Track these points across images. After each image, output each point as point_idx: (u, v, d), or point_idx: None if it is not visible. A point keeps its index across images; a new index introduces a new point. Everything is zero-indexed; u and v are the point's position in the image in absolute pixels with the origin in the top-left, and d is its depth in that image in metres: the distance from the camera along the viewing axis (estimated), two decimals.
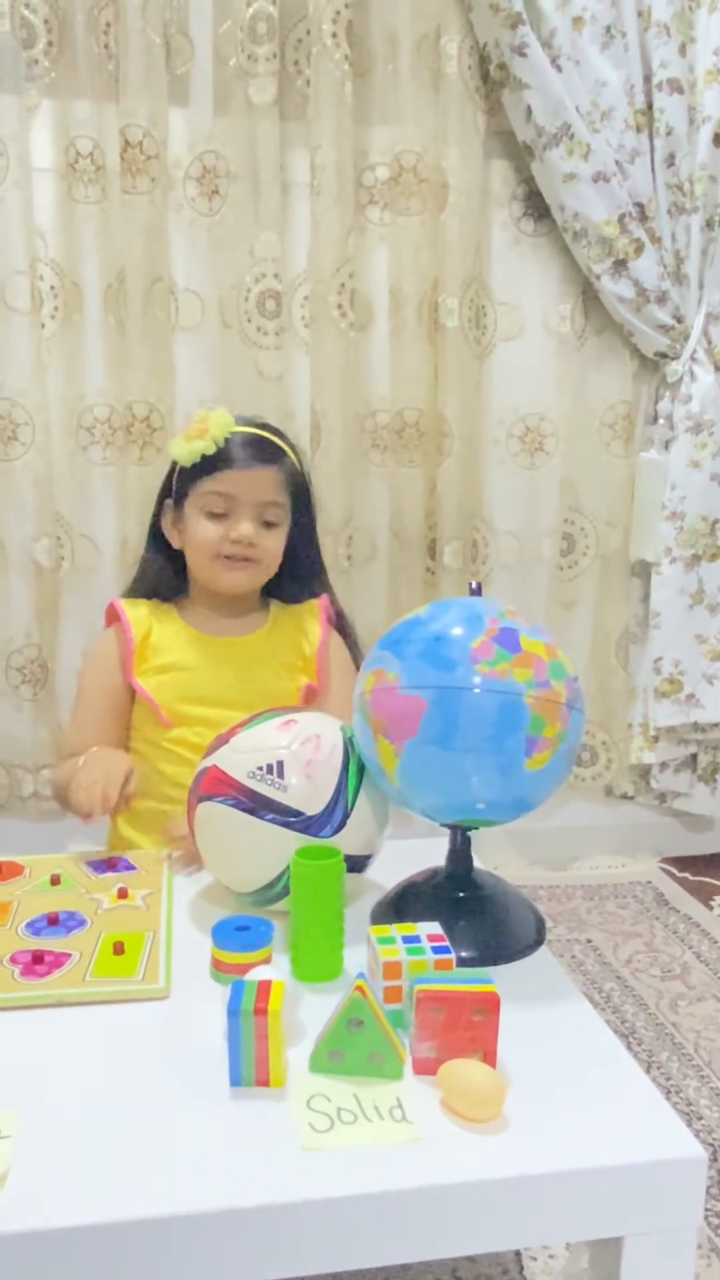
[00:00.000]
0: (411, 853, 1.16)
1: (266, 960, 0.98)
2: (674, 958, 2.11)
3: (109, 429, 2.20)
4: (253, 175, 2.14)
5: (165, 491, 1.47)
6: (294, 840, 1.04)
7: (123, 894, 1.16)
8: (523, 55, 2.11)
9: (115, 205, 2.11)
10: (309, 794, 1.06)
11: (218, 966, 1.00)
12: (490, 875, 1.12)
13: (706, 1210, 1.42)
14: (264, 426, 1.46)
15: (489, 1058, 0.85)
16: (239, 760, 1.08)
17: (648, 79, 2.19)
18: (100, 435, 2.21)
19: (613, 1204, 0.78)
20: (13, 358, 2.11)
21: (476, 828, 1.08)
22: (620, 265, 2.24)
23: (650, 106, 2.20)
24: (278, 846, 1.04)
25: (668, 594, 2.40)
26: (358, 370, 2.26)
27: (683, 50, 2.17)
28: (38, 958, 1.02)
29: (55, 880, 1.20)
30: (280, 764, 1.06)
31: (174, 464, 1.45)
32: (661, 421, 2.38)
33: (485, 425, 2.36)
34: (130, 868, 1.25)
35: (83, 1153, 0.78)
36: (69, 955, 1.03)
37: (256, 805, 1.05)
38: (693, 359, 2.31)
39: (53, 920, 1.10)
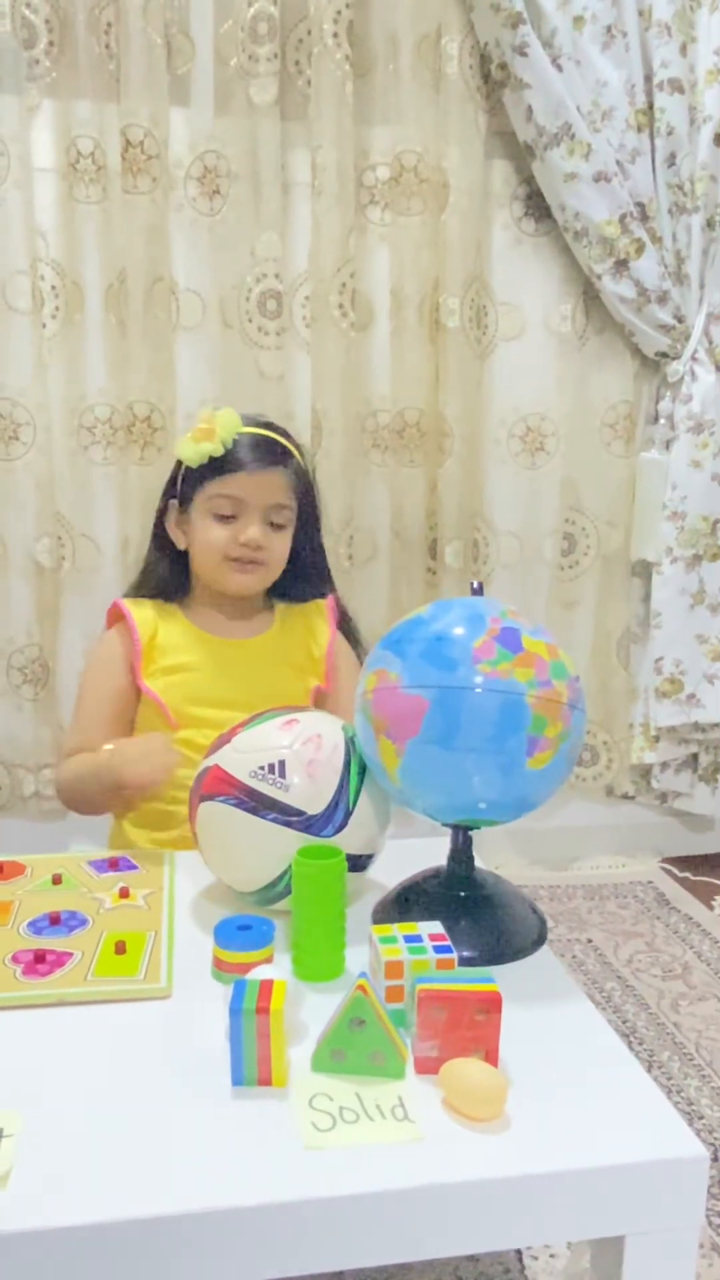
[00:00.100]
0: (413, 852, 1.16)
1: (268, 959, 0.98)
2: (675, 957, 2.11)
3: (110, 429, 2.20)
4: (254, 175, 2.14)
5: (169, 492, 1.46)
6: (296, 840, 1.04)
7: (124, 893, 1.16)
8: (523, 55, 2.11)
9: (116, 205, 2.11)
10: (311, 793, 1.06)
11: (219, 966, 1.00)
12: (491, 875, 1.12)
13: (708, 1209, 1.42)
14: (269, 426, 1.45)
15: (491, 1057, 0.86)
16: (241, 760, 1.08)
17: (648, 79, 2.19)
18: (101, 435, 2.21)
19: (614, 1203, 0.78)
20: (14, 358, 2.11)
21: (478, 827, 1.08)
22: (621, 265, 2.24)
23: (651, 106, 2.20)
24: (279, 846, 1.04)
25: (669, 594, 2.40)
26: (359, 370, 2.26)
27: (683, 50, 2.17)
28: (39, 957, 1.02)
29: (57, 880, 1.20)
30: (282, 763, 1.06)
31: (178, 464, 1.44)
32: (662, 421, 2.38)
33: (486, 425, 2.36)
34: (132, 867, 1.25)
35: (84, 1152, 0.78)
36: (70, 955, 1.03)
37: (258, 805, 1.05)
38: (693, 359, 2.31)
39: (54, 920, 1.10)
